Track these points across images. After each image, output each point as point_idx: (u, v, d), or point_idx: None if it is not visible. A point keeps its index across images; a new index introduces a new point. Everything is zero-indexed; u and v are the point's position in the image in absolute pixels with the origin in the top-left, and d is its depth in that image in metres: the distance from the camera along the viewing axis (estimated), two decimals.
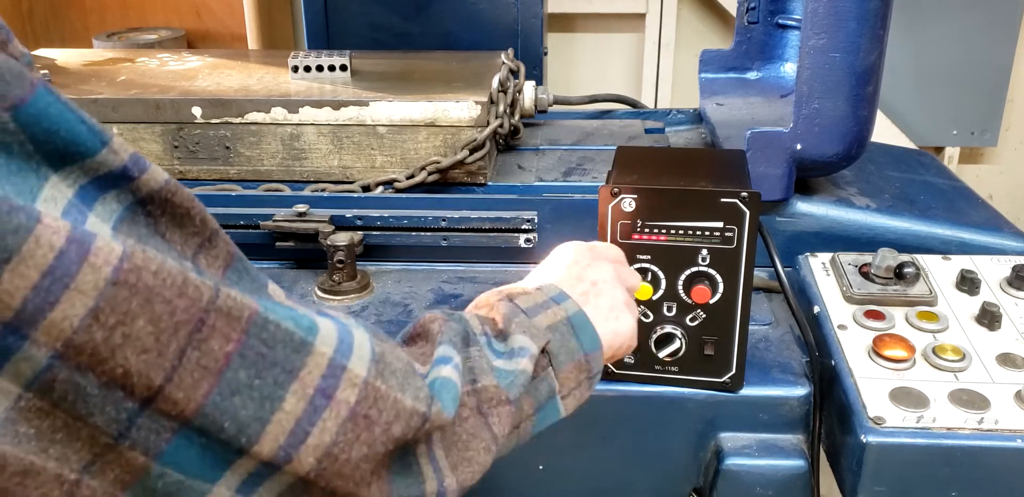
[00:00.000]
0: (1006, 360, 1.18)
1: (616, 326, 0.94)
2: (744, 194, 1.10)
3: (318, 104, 1.59)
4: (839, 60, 1.34)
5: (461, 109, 1.57)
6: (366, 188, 1.60)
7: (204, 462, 0.59)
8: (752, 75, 1.98)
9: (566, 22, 3.32)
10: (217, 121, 1.60)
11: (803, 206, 1.49)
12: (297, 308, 0.65)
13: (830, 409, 1.20)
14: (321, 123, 1.60)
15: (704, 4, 3.32)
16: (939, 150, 3.30)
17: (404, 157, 1.61)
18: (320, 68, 1.76)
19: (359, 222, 1.51)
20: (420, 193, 1.57)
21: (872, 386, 1.14)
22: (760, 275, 1.39)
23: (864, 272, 1.35)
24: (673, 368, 1.21)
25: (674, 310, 1.18)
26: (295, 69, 1.75)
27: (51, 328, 0.52)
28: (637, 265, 1.16)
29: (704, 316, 1.17)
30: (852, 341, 1.22)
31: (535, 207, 1.51)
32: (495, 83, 1.65)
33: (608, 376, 1.23)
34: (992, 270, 1.38)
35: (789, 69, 1.91)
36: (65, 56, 1.98)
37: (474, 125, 1.58)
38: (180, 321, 0.56)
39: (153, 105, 1.60)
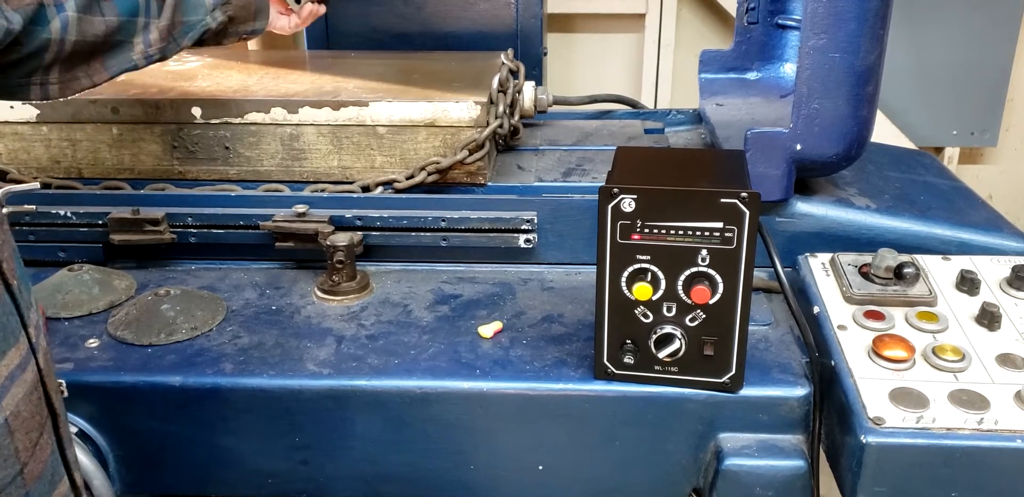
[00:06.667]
0: (1006, 360, 1.18)
1: None
2: (744, 194, 1.10)
3: (318, 104, 1.58)
4: (839, 60, 1.34)
5: (461, 109, 1.57)
6: (366, 188, 1.60)
7: None
8: (752, 75, 1.98)
9: (566, 22, 3.32)
10: (217, 121, 1.60)
11: (803, 206, 1.49)
12: None
13: (830, 409, 1.20)
14: (321, 123, 1.59)
15: (704, 4, 3.32)
16: (939, 150, 3.30)
17: (404, 157, 1.61)
18: None
19: (359, 222, 1.51)
20: (420, 193, 1.57)
21: (872, 386, 1.14)
22: (760, 275, 1.39)
23: (864, 272, 1.35)
24: (673, 368, 1.20)
25: (674, 310, 1.17)
26: None
27: None
28: (637, 265, 1.16)
29: (704, 316, 1.17)
30: (852, 341, 1.22)
31: (535, 207, 1.51)
32: (495, 83, 1.65)
33: (608, 376, 1.23)
34: (992, 270, 1.38)
35: (789, 69, 1.91)
36: None
37: (474, 125, 1.58)
38: None
39: (153, 105, 1.60)
